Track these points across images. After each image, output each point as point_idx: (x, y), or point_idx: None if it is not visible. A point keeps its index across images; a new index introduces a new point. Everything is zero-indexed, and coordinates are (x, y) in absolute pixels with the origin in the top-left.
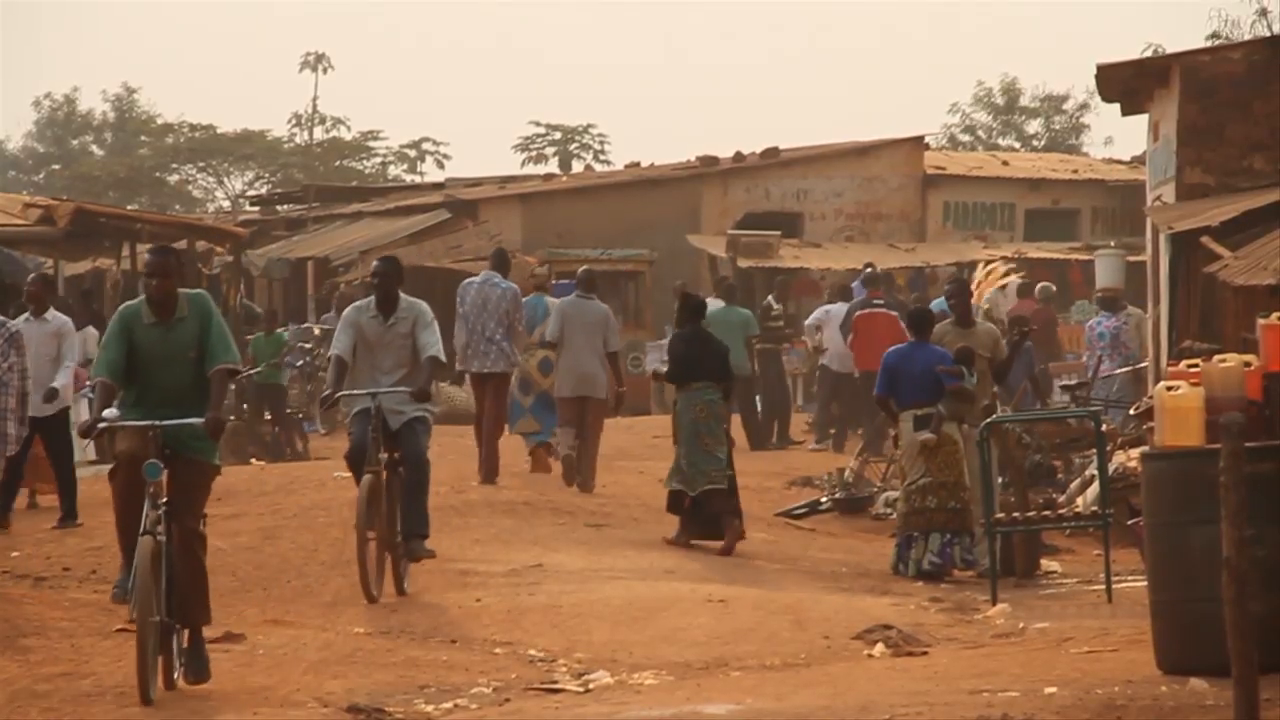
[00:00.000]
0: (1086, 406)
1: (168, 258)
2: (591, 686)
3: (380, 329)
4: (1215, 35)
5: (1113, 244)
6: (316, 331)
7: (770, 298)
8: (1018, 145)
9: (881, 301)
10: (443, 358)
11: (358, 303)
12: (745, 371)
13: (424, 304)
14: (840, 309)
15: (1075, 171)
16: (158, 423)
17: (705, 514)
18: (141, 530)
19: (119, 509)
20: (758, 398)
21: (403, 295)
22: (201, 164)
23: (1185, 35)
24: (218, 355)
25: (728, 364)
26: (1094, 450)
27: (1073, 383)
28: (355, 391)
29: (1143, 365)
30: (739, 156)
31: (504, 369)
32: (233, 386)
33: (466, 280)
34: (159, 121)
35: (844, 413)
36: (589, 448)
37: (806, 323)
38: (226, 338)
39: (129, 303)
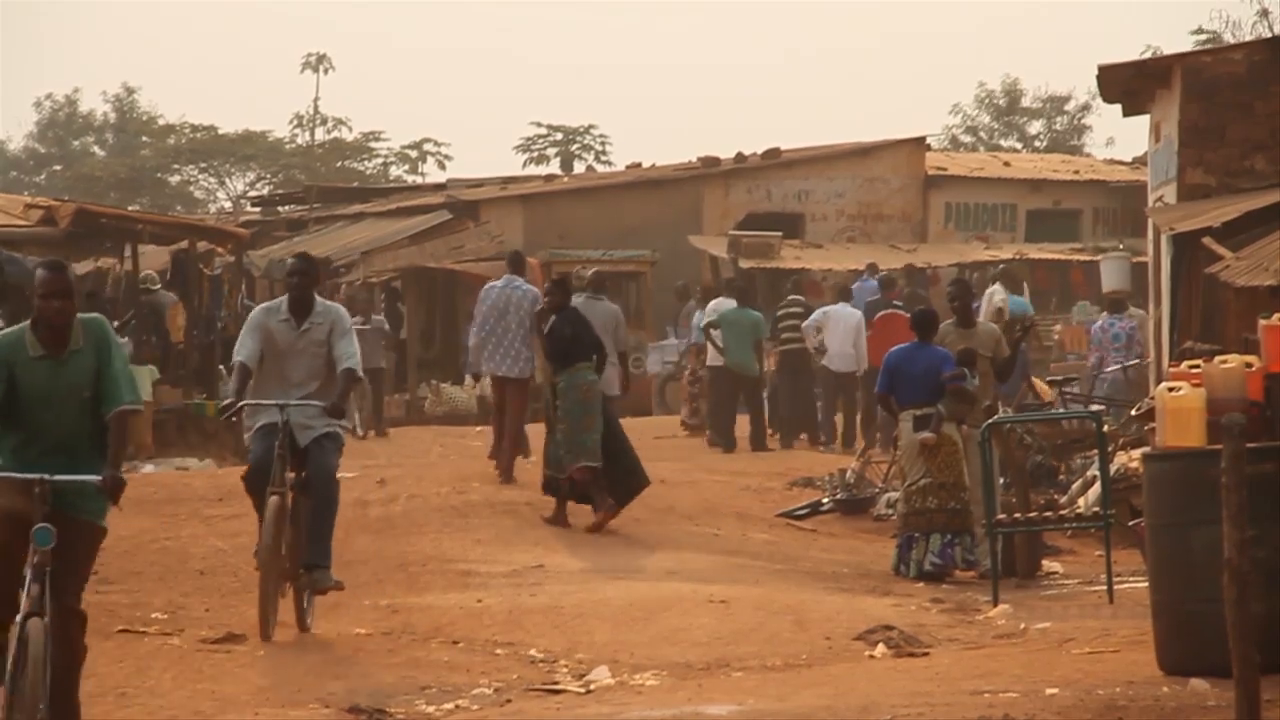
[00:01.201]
0: (1073, 403)
1: (66, 274)
2: (593, 687)
3: (292, 335)
4: (1200, 30)
5: (1120, 245)
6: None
7: (797, 296)
8: (1019, 146)
9: (901, 304)
10: (360, 371)
11: (266, 304)
12: (753, 373)
13: (341, 309)
14: (839, 309)
15: (1076, 172)
16: (48, 477)
17: (579, 490)
18: (25, 612)
19: None
20: (766, 397)
21: (318, 299)
22: (203, 165)
23: (1187, 36)
24: (118, 395)
25: (600, 342)
26: (1094, 451)
27: (1059, 379)
28: (262, 401)
29: (1131, 364)
30: (740, 157)
31: (525, 374)
32: None
33: (489, 284)
34: (160, 122)
35: (848, 412)
36: None
37: (805, 325)
38: (128, 372)
39: (7, 331)
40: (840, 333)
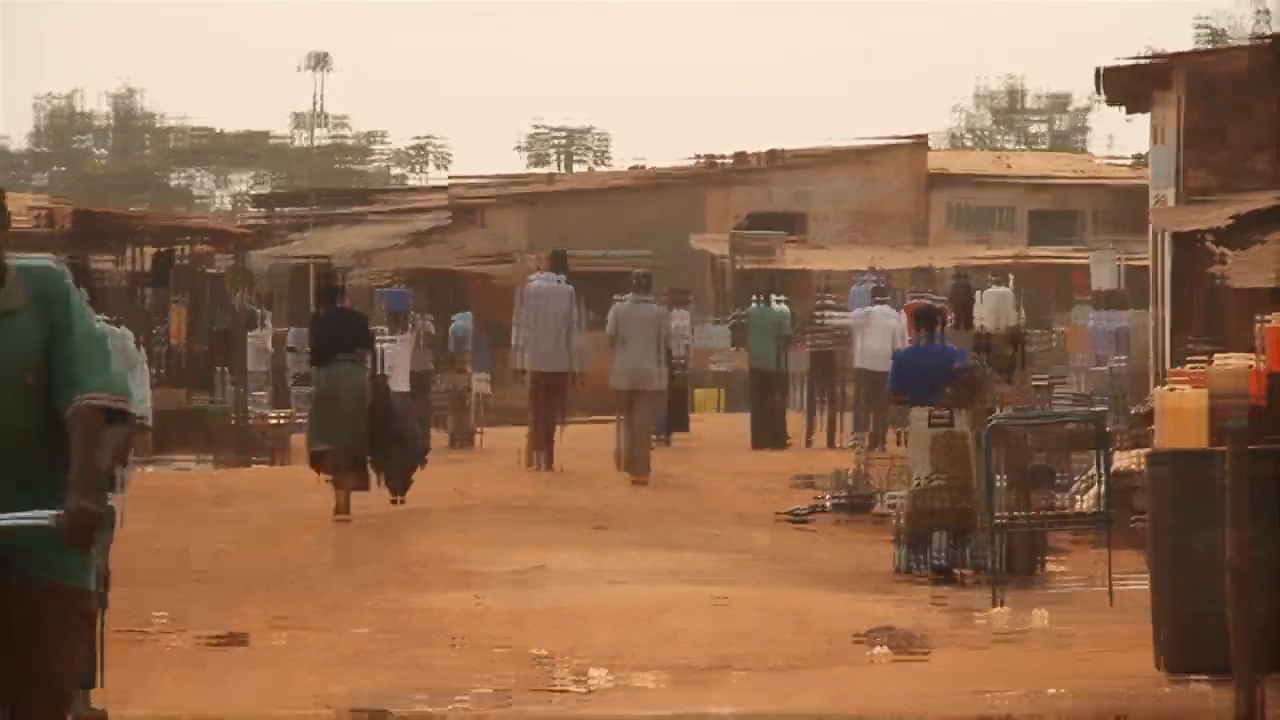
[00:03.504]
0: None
1: None
2: (593, 687)
3: None
4: (1204, 24)
5: (1110, 244)
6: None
7: (828, 297)
8: (1021, 146)
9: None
10: (141, 411)
11: None
12: (771, 367)
13: (121, 329)
14: (881, 310)
15: (1078, 172)
16: None
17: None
18: None
19: None
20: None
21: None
22: (204, 165)
23: (1190, 31)
24: (80, 377)
25: (368, 334)
26: (1094, 452)
27: (1043, 380)
28: None
29: (1118, 362)
30: (742, 158)
31: (563, 368)
32: None
33: (530, 279)
34: (161, 123)
35: (879, 412)
36: (641, 435)
37: (848, 322)
38: (99, 344)
39: None
40: (880, 333)
